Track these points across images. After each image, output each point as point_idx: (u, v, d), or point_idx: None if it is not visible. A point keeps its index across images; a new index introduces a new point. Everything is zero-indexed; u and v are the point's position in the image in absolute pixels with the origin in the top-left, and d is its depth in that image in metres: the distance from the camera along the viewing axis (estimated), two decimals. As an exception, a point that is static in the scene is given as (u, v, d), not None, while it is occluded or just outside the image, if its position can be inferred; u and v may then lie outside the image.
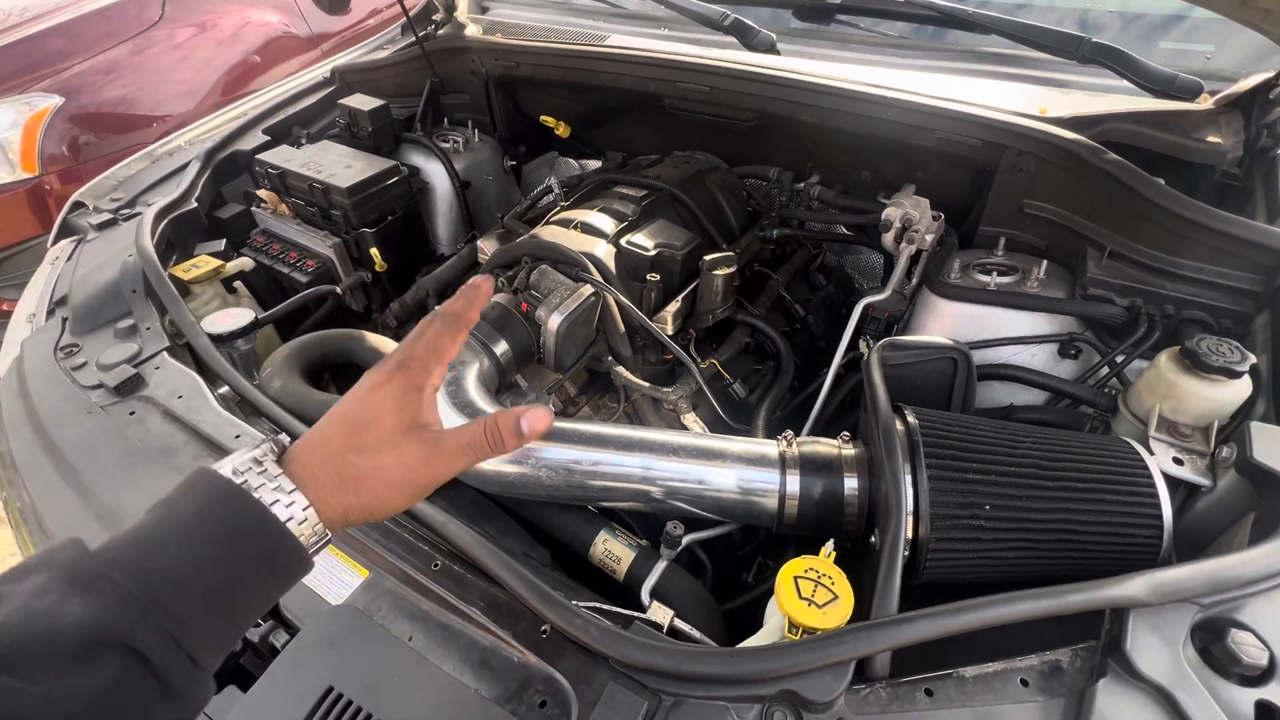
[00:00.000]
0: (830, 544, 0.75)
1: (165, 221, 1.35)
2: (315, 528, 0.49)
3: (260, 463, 0.49)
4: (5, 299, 2.61)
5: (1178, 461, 0.81)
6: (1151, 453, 0.81)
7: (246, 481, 0.48)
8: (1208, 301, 0.97)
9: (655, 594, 0.84)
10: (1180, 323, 0.98)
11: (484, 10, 1.93)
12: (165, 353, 1.08)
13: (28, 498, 0.91)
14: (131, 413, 0.99)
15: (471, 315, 0.60)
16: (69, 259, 1.32)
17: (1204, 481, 0.79)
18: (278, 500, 0.48)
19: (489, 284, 0.61)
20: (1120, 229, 1.05)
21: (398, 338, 1.45)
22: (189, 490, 0.48)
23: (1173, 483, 0.79)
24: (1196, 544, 0.81)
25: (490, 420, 0.56)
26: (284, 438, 0.54)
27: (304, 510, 0.48)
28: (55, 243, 1.43)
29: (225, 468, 0.49)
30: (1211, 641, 0.61)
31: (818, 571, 0.69)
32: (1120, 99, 1.19)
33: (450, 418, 0.91)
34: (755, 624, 0.94)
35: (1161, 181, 1.01)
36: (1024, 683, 0.62)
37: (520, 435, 0.56)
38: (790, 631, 0.67)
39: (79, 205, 1.48)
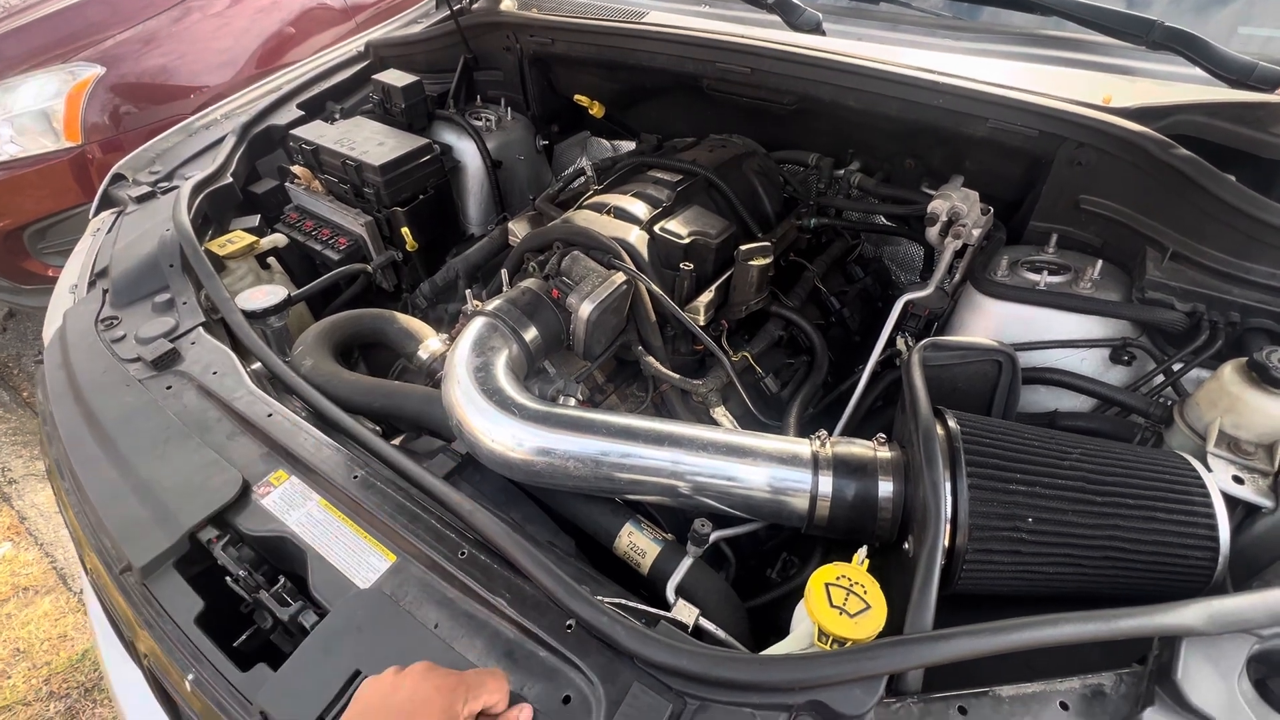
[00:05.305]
0: (863, 551, 0.73)
1: (202, 196, 1.36)
2: None
3: None
4: (51, 266, 2.69)
5: (1238, 480, 0.77)
6: (1209, 470, 0.77)
7: None
8: (1278, 310, 0.91)
9: (680, 591, 0.83)
10: (1246, 331, 0.93)
11: (520, -16, 1.89)
12: (201, 328, 1.09)
13: (66, 460, 0.93)
14: (168, 387, 1.01)
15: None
16: (109, 231, 1.34)
17: (1266, 503, 0.75)
18: None
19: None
20: (1185, 229, 0.99)
21: (427, 318, 1.45)
22: None
23: (1231, 502, 0.75)
24: (1250, 568, 0.77)
25: None
26: None
27: None
28: (96, 214, 1.46)
29: None
30: (1268, 675, 0.59)
31: (850, 579, 0.67)
32: (1192, 88, 1.12)
33: (479, 404, 0.90)
34: (780, 622, 0.93)
35: (1233, 179, 0.95)
36: (1064, 706, 0.59)
37: None
38: (820, 640, 0.65)
39: (119, 177, 1.50)
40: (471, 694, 0.58)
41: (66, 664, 1.90)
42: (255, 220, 1.48)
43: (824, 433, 0.89)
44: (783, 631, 0.75)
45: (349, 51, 1.89)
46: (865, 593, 0.66)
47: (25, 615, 2.02)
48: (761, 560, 1.09)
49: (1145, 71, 1.19)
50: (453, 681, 0.58)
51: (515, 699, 0.63)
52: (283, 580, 0.76)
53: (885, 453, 0.85)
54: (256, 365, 1.07)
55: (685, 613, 0.77)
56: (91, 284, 1.23)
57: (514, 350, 1.01)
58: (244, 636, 0.76)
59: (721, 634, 0.77)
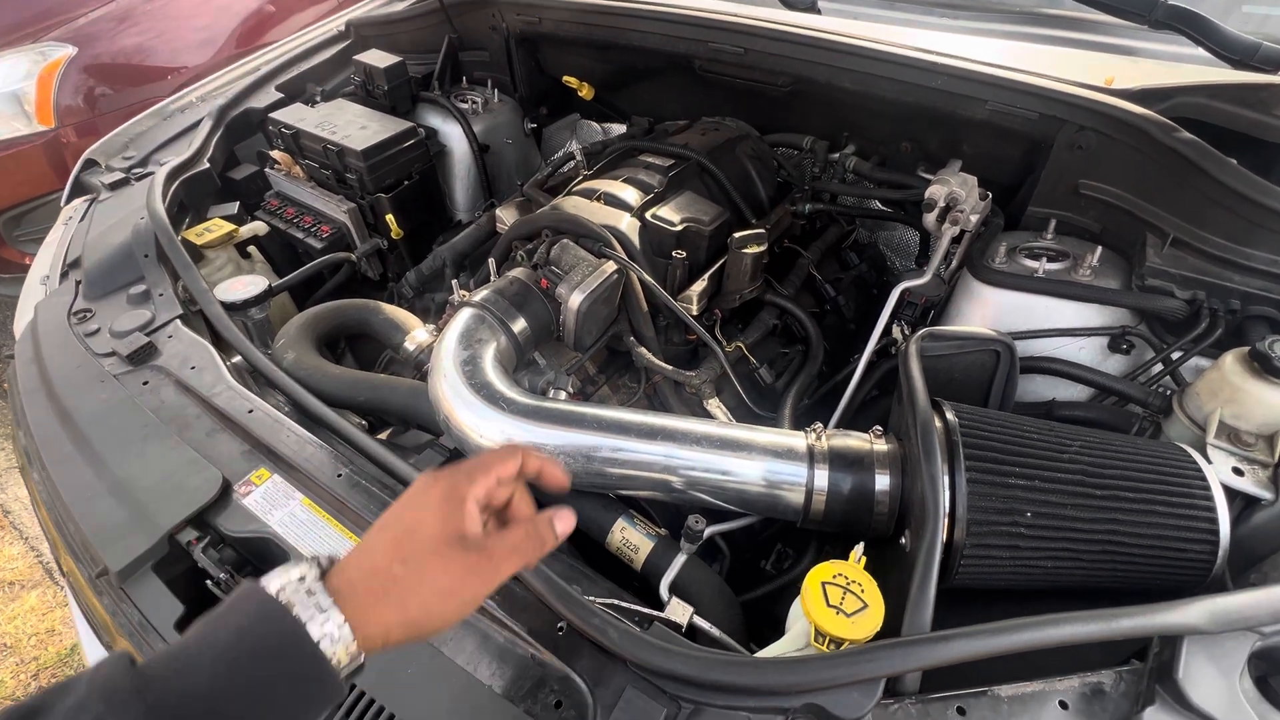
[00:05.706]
0: (860, 548, 0.72)
1: (177, 182, 1.32)
2: (349, 648, 0.46)
3: (304, 579, 0.48)
4: (28, 254, 2.62)
5: (1238, 472, 0.76)
6: (1210, 461, 0.76)
7: (288, 599, 0.46)
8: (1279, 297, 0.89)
9: (674, 588, 0.82)
10: (1246, 319, 0.91)
11: (505, -40, 1.83)
12: (178, 321, 1.06)
13: (39, 458, 0.90)
14: (145, 382, 0.97)
15: (530, 463, 0.60)
16: (82, 219, 1.30)
17: (1266, 495, 0.74)
18: (313, 618, 0.45)
19: (567, 525, 0.60)
20: (1186, 214, 0.97)
21: (414, 308, 1.42)
22: (234, 606, 0.46)
23: (1230, 494, 0.74)
24: (1248, 559, 0.76)
25: (528, 524, 0.57)
26: (335, 552, 0.53)
27: (339, 628, 0.46)
28: (68, 201, 1.41)
29: (272, 584, 0.47)
30: (1269, 672, 0.58)
31: (847, 578, 0.66)
32: (1194, 69, 1.09)
33: (467, 398, 0.88)
34: (774, 615, 0.93)
35: (1234, 162, 0.93)
36: (1063, 705, 0.59)
37: (556, 533, 0.58)
38: (816, 640, 0.64)
39: (91, 163, 1.45)
40: (480, 467, 0.56)
41: (55, 659, 1.88)
42: (234, 208, 1.43)
43: (819, 425, 0.87)
44: (778, 625, 0.74)
45: (330, 31, 1.83)
46: (862, 591, 0.65)
47: (11, 610, 1.99)
48: (756, 552, 1.07)
49: (1147, 52, 1.16)
50: (451, 470, 0.56)
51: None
52: (265, 583, 0.74)
53: (882, 445, 0.84)
54: (237, 359, 1.04)
55: (679, 611, 0.75)
56: (64, 275, 1.19)
57: (502, 342, 0.98)
58: (226, 641, 0.74)
59: (716, 633, 0.76)
